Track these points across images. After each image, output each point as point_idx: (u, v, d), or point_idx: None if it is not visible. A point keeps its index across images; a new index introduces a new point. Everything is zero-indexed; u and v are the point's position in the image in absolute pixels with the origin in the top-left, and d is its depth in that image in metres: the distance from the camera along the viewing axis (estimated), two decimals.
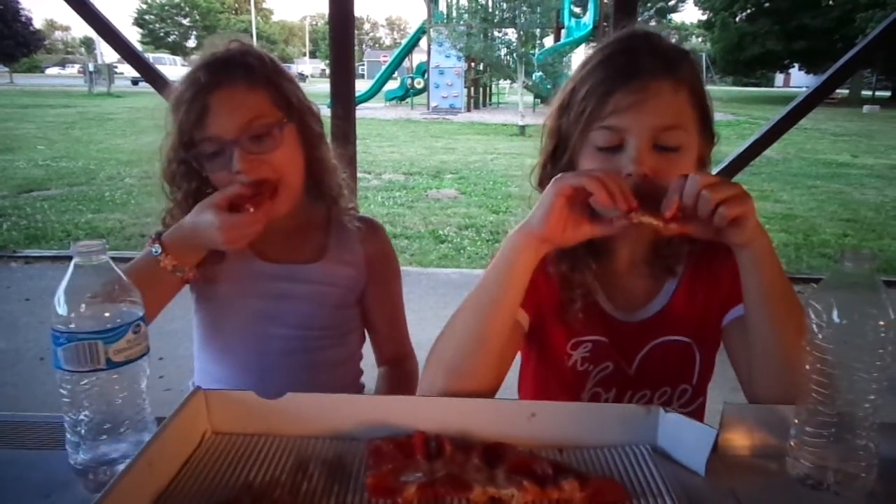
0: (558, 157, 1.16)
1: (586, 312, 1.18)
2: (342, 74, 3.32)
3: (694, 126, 1.08)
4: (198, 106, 1.18)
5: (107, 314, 0.81)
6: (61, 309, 0.80)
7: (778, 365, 1.00)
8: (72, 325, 0.80)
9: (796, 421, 0.85)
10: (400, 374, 1.47)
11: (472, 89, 23.30)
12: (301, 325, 1.35)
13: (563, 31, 20.53)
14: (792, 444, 0.86)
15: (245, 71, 1.22)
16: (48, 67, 67.38)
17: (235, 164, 1.17)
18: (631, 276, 1.22)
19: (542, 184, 1.19)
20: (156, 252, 1.16)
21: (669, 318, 1.21)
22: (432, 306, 4.16)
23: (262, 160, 1.20)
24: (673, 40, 1.12)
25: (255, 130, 1.19)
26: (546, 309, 1.17)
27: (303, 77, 43.80)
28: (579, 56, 19.38)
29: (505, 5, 18.84)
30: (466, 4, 22.08)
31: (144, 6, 73.91)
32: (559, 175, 0.99)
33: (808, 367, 0.82)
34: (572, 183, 0.96)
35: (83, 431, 0.84)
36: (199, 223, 1.15)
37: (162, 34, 74.93)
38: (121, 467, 0.75)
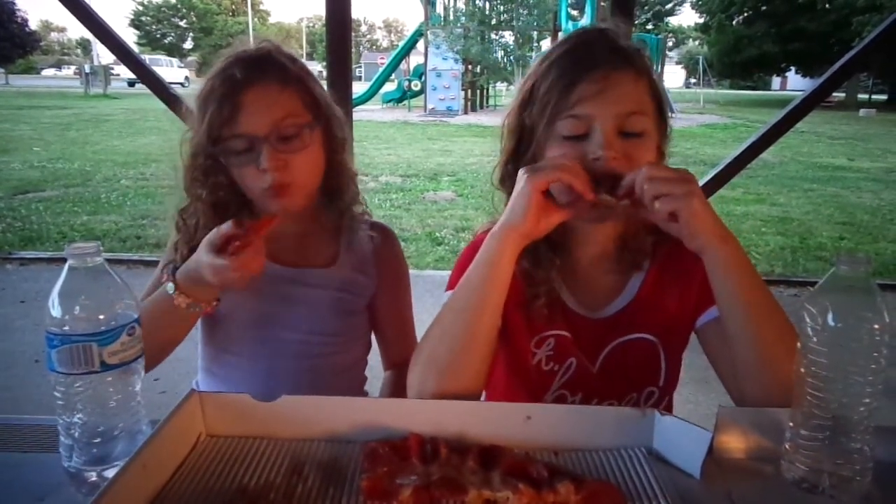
0: (521, 153, 1.17)
1: (549, 308, 1.20)
2: (339, 76, 3.32)
3: (653, 115, 1.12)
4: (230, 102, 1.18)
5: (101, 316, 0.81)
6: (55, 311, 0.80)
7: (759, 368, 1.00)
8: (66, 328, 0.80)
9: (791, 424, 0.85)
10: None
11: (470, 92, 23.29)
12: (308, 330, 1.35)
13: (560, 34, 20.55)
14: (787, 447, 0.86)
15: (278, 69, 1.23)
16: (44, 69, 67.33)
17: (264, 162, 1.18)
18: (595, 272, 1.23)
19: (503, 182, 1.21)
20: (170, 290, 1.13)
21: (634, 316, 1.21)
22: (429, 309, 4.13)
23: (288, 160, 1.20)
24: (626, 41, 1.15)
25: (286, 130, 1.20)
26: (509, 305, 1.15)
27: None
28: None
29: (502, 8, 18.87)
30: (463, 7, 22.14)
31: (141, 7, 73.89)
32: (527, 169, 1.01)
33: (802, 370, 0.82)
34: (547, 178, 0.99)
35: (77, 434, 0.83)
36: (199, 263, 1.11)
37: (158, 36, 74.89)
38: (115, 470, 0.75)
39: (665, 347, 1.22)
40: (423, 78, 22.61)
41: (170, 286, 1.13)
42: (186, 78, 35.28)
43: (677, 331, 1.22)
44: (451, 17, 22.62)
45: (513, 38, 17.93)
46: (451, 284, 1.19)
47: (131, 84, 29.63)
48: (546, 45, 20.65)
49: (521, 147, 1.17)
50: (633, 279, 1.23)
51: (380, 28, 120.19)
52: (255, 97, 1.19)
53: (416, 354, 1.08)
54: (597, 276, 1.23)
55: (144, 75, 3.63)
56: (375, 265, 1.42)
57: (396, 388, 1.44)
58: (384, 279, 1.43)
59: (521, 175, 1.01)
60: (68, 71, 61.45)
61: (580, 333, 1.21)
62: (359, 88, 23.38)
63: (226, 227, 1.08)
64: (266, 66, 1.22)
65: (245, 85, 1.18)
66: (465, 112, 22.26)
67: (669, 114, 1.19)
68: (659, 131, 1.14)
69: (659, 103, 1.14)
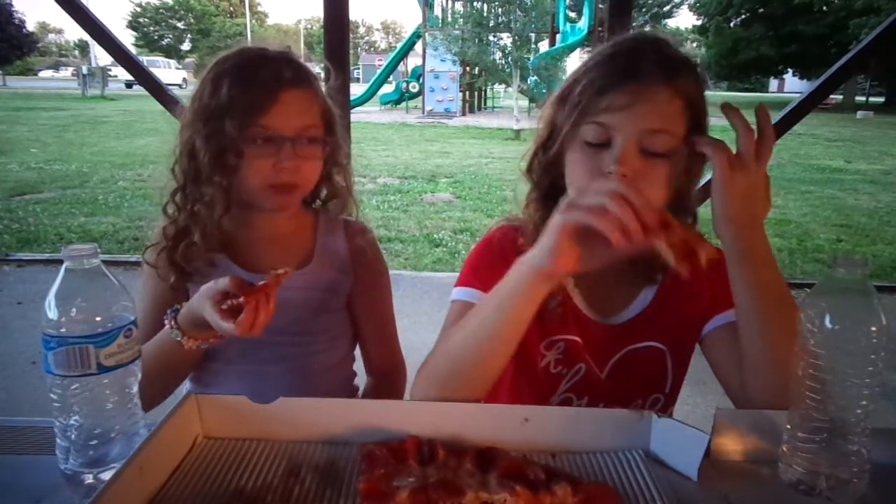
0: (549, 146, 1.15)
1: (563, 311, 1.19)
2: (337, 78, 3.32)
3: (685, 136, 1.05)
4: (269, 94, 1.20)
5: (98, 318, 0.81)
6: (52, 313, 0.80)
7: (771, 370, 1.00)
8: (62, 329, 0.80)
9: (788, 426, 0.85)
10: (388, 389, 1.46)
11: (468, 93, 23.33)
12: (291, 332, 1.33)
13: (559, 36, 20.58)
14: (784, 449, 0.86)
15: (313, 80, 1.29)
16: (41, 70, 67.27)
17: (285, 160, 1.21)
18: (609, 280, 1.21)
19: (530, 171, 1.19)
20: (177, 338, 1.13)
21: (645, 325, 1.20)
22: (426, 310, 4.16)
23: (300, 164, 1.24)
24: (682, 51, 1.09)
25: (309, 137, 1.25)
26: None
27: None
28: (574, 60, 19.42)
29: (500, 10, 18.87)
30: (461, 9, 22.14)
31: (139, 9, 73.86)
32: (564, 204, 0.92)
33: (800, 372, 0.82)
34: (576, 221, 0.89)
35: (73, 436, 0.83)
36: (203, 311, 1.07)
37: (156, 37, 74.81)
38: (111, 472, 0.75)
39: (673, 355, 1.22)
40: (420, 79, 22.64)
41: (176, 333, 1.13)
42: (184, 79, 35.21)
43: (685, 338, 1.21)
44: (449, 19, 22.64)
45: (511, 39, 17.90)
46: (462, 280, 1.18)
47: (129, 86, 29.51)
48: (544, 46, 20.64)
49: (550, 140, 1.15)
50: (646, 290, 1.22)
51: (378, 30, 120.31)
52: (293, 98, 1.23)
53: (422, 367, 1.06)
54: (611, 284, 1.22)
55: (142, 77, 3.63)
56: (352, 263, 1.41)
57: (376, 397, 1.41)
58: (361, 277, 1.42)
59: (558, 211, 0.91)
60: (66, 72, 61.31)
61: (591, 339, 1.20)
62: (357, 90, 23.42)
63: (223, 283, 1.06)
64: (304, 73, 1.27)
65: (288, 84, 1.22)
66: (464, 114, 22.30)
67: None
68: (693, 154, 1.06)
69: (698, 126, 1.07)
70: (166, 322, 1.15)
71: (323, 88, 1.32)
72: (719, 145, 0.99)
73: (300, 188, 1.28)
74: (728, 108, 0.96)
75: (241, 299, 1.02)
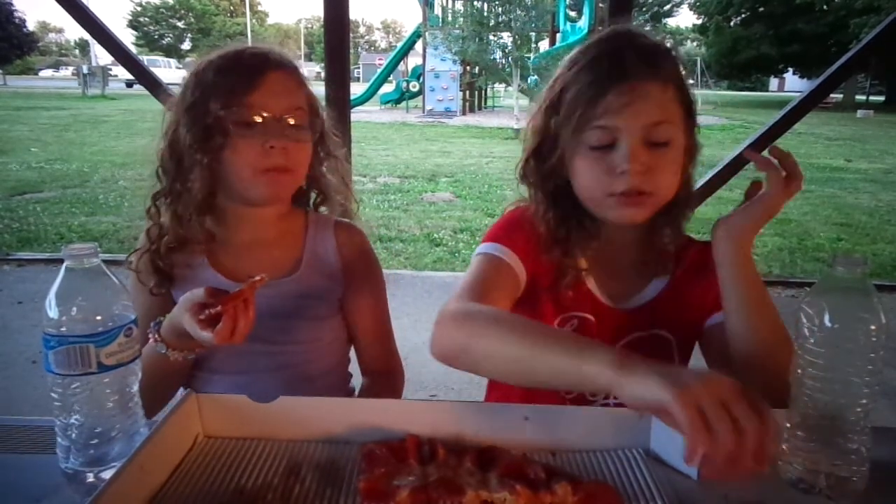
0: (545, 154, 1.18)
1: (575, 290, 1.20)
2: (337, 77, 3.32)
3: (680, 120, 1.12)
4: (255, 74, 1.21)
5: (98, 317, 0.81)
6: (52, 312, 0.80)
7: (760, 370, 1.02)
8: (63, 329, 0.80)
9: (788, 425, 0.86)
10: (385, 390, 1.42)
11: (468, 93, 23.31)
12: (284, 341, 1.31)
13: (559, 35, 20.57)
14: (784, 447, 0.86)
15: (295, 69, 1.30)
16: (42, 69, 67.21)
17: (272, 138, 1.20)
18: (622, 267, 1.23)
19: (524, 178, 1.23)
20: (162, 350, 1.14)
21: (655, 313, 1.22)
22: (427, 310, 4.16)
23: (289, 147, 1.23)
24: (656, 38, 1.14)
25: (296, 118, 1.24)
26: (540, 281, 1.18)
27: None
28: None
29: (500, 9, 18.87)
30: (462, 8, 22.16)
31: (139, 8, 73.90)
32: (689, 386, 0.72)
33: (799, 371, 0.82)
34: (685, 422, 0.70)
35: (74, 435, 0.83)
36: (183, 321, 1.07)
37: (156, 36, 74.84)
38: (112, 471, 0.75)
39: (679, 345, 1.23)
40: (421, 79, 22.62)
41: (160, 346, 1.14)
42: (184, 79, 35.16)
43: (692, 330, 1.23)
44: (450, 18, 22.65)
45: (511, 39, 17.89)
46: (489, 237, 1.20)
47: (129, 85, 29.43)
48: (544, 46, 20.63)
49: (545, 148, 1.18)
50: (657, 280, 1.24)
51: (378, 29, 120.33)
52: (278, 79, 1.23)
53: (459, 316, 0.99)
54: (623, 271, 1.24)
55: (142, 76, 3.64)
56: (342, 267, 1.38)
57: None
58: (353, 281, 1.39)
59: (678, 386, 0.72)
60: (66, 72, 61.23)
61: (602, 320, 1.22)
62: (357, 89, 23.40)
63: (199, 293, 1.05)
64: (288, 62, 1.28)
65: (274, 66, 1.23)
66: (464, 113, 22.27)
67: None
68: (688, 133, 1.14)
69: (687, 107, 1.14)
70: (150, 336, 1.15)
71: (322, 89, 1.33)
72: (776, 167, 1.08)
73: (291, 172, 1.25)
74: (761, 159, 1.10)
75: (219, 308, 1.01)
